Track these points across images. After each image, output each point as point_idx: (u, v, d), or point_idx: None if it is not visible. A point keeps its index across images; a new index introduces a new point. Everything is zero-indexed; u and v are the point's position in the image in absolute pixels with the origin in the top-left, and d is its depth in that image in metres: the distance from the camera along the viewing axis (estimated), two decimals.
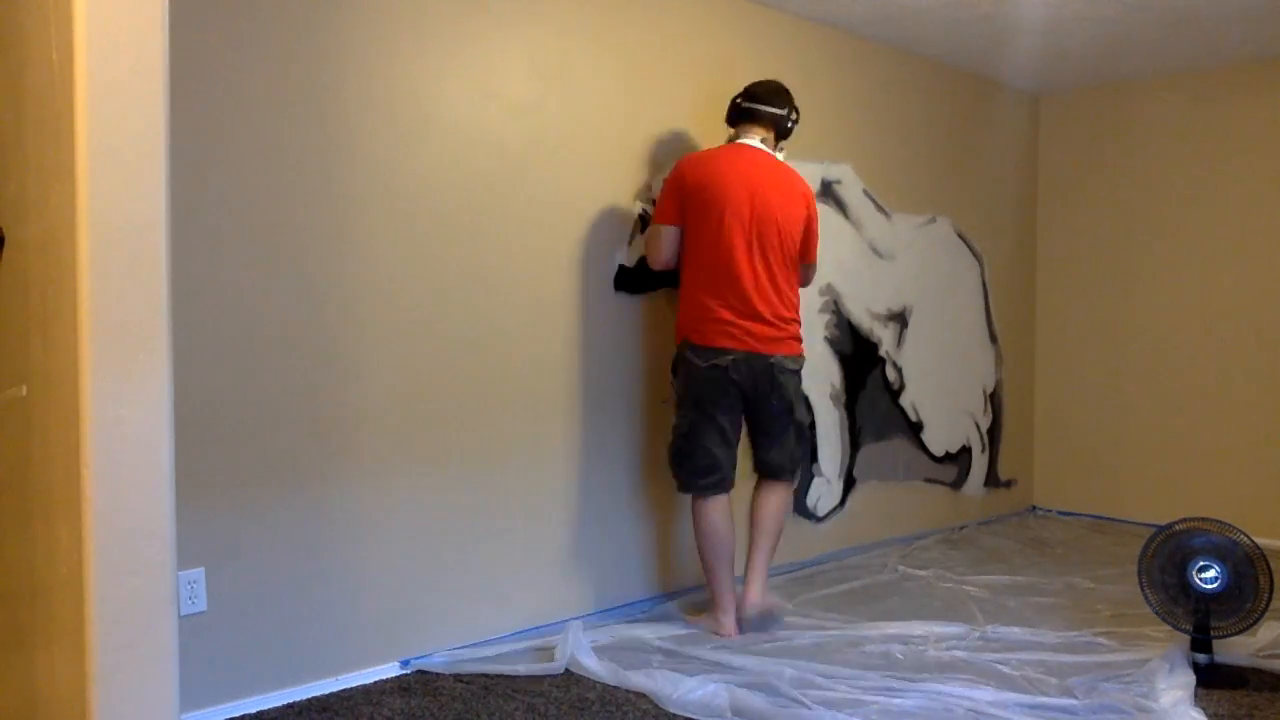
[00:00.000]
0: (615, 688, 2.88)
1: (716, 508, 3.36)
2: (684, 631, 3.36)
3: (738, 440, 3.43)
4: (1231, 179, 4.89)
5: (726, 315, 3.29)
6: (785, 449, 3.46)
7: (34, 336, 1.96)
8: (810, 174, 4.25)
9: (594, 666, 2.97)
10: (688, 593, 3.79)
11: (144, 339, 1.81)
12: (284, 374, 2.78)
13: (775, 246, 3.33)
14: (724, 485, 3.37)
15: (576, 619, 3.37)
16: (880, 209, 4.60)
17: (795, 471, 3.54)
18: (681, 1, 3.76)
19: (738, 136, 3.47)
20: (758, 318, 3.30)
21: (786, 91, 3.50)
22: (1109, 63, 4.85)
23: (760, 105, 3.44)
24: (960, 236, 5.06)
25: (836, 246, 4.38)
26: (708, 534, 3.36)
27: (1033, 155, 5.51)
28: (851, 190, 4.46)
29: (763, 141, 3.44)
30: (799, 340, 3.45)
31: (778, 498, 3.49)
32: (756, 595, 3.41)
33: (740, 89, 3.54)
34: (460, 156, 3.14)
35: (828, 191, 4.34)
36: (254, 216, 2.73)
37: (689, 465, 3.36)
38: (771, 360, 3.33)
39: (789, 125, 3.50)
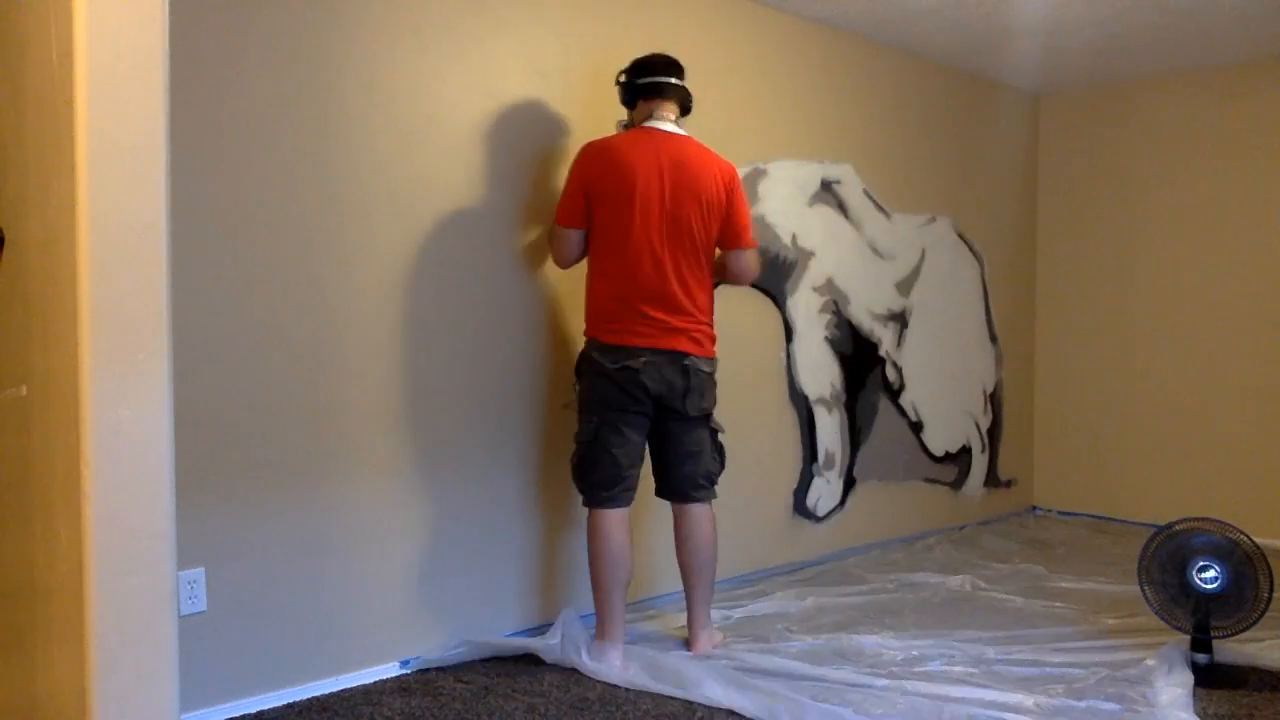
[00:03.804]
0: (615, 687, 2.87)
1: (618, 522, 3.04)
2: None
3: (644, 451, 3.14)
4: (1232, 178, 4.89)
5: (636, 314, 3.01)
6: (699, 462, 3.15)
7: (34, 336, 1.96)
8: (810, 174, 4.25)
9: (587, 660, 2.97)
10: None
11: (144, 339, 1.81)
12: (284, 374, 2.78)
13: (689, 244, 3.05)
14: (628, 498, 3.08)
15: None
16: (880, 209, 4.60)
17: (713, 487, 3.21)
18: (682, 2, 3.76)
19: (644, 115, 3.14)
20: (671, 314, 3.03)
21: (680, 64, 3.18)
22: (1109, 63, 4.85)
23: (669, 79, 3.12)
24: (960, 236, 5.06)
25: (836, 246, 4.38)
26: (607, 552, 3.02)
27: (1033, 155, 5.51)
28: (851, 190, 4.46)
29: (674, 122, 3.14)
30: (713, 341, 3.16)
31: (706, 526, 3.16)
32: (705, 643, 3.16)
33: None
34: (462, 156, 3.14)
35: (828, 191, 4.34)
36: (254, 216, 2.73)
37: (592, 475, 3.05)
38: (687, 361, 3.05)
39: (690, 101, 3.19)
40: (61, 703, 1.88)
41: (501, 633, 3.26)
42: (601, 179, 3.04)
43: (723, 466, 3.26)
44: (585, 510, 3.32)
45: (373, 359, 2.96)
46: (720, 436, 3.25)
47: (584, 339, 3.16)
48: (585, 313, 3.16)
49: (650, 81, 3.12)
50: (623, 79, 3.18)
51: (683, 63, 3.22)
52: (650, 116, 3.13)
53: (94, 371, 1.76)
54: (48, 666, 1.96)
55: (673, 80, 3.14)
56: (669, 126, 3.12)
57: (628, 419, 3.06)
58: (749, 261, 3.27)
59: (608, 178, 3.03)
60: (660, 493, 3.24)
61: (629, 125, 3.21)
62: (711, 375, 3.16)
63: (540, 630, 3.31)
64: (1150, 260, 5.13)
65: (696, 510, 3.18)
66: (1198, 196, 4.98)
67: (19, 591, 2.07)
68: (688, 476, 3.17)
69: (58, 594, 1.88)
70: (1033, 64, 4.90)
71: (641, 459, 3.14)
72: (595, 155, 3.08)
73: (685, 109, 3.20)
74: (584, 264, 3.21)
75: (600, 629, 3.07)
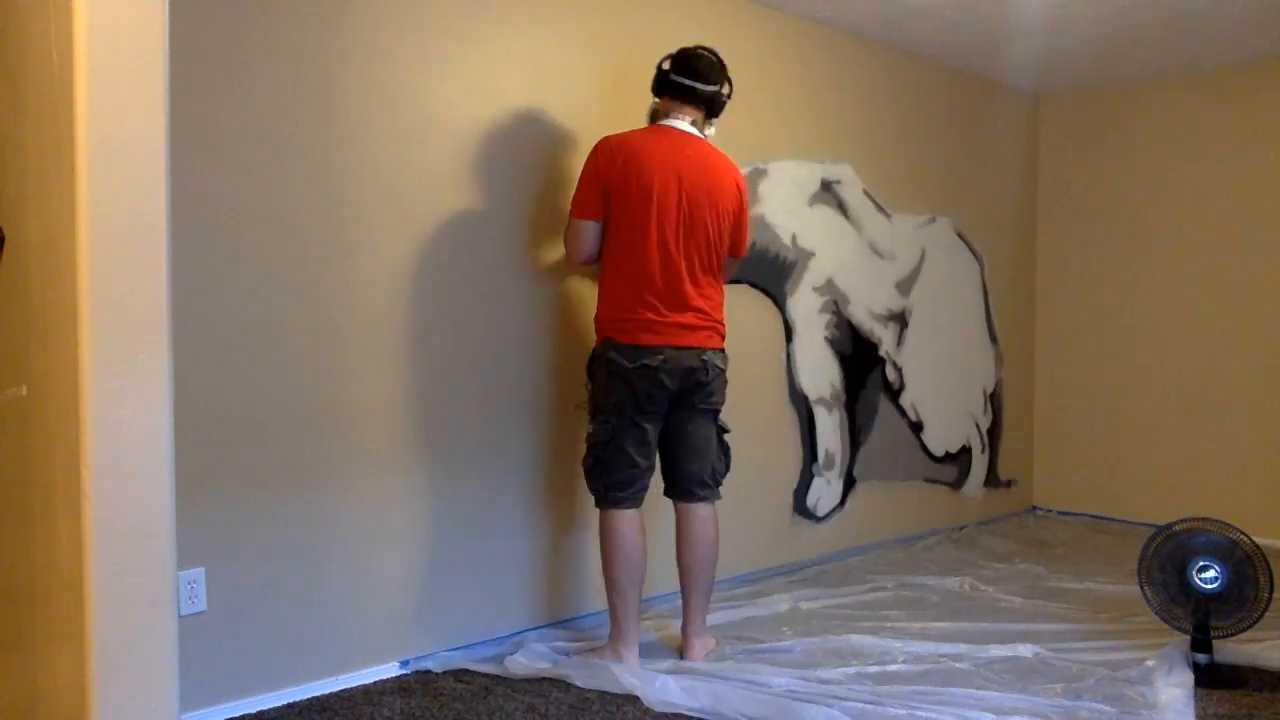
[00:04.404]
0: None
1: (632, 522, 3.04)
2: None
3: (657, 450, 3.14)
4: (1232, 179, 4.89)
5: (652, 313, 2.99)
6: (706, 460, 3.16)
7: (34, 336, 1.96)
8: (810, 174, 4.25)
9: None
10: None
11: (144, 339, 1.81)
12: (284, 374, 2.78)
13: (703, 244, 3.05)
14: (642, 498, 3.08)
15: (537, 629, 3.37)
16: (880, 209, 4.60)
17: (718, 488, 3.21)
18: (682, 2, 3.76)
19: (663, 112, 3.14)
20: (686, 313, 3.03)
21: (723, 63, 3.16)
22: (1109, 63, 4.85)
23: (697, 83, 3.09)
24: (960, 236, 5.06)
25: (837, 246, 4.38)
26: (621, 552, 3.01)
27: (1033, 155, 5.51)
28: (851, 190, 4.46)
29: (692, 124, 3.12)
30: (723, 340, 3.17)
31: (709, 527, 3.16)
32: (699, 650, 3.13)
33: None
34: (462, 157, 3.14)
35: (828, 191, 4.34)
36: (254, 216, 2.73)
37: (608, 476, 3.03)
38: (704, 355, 3.06)
39: (722, 102, 3.18)
40: (61, 703, 1.88)
41: (501, 633, 3.26)
42: (620, 175, 3.00)
43: (728, 467, 3.27)
44: (586, 512, 3.33)
45: (373, 359, 2.96)
46: (727, 437, 3.26)
47: (596, 339, 3.12)
48: (598, 312, 3.11)
49: (678, 81, 3.10)
50: (665, 66, 3.13)
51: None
52: (669, 115, 3.12)
53: (94, 371, 1.76)
54: (48, 666, 1.96)
55: (701, 86, 3.10)
56: (686, 127, 3.11)
57: (644, 419, 3.04)
58: (735, 271, 3.42)
59: (626, 174, 3.00)
60: (668, 492, 3.23)
61: (653, 116, 3.22)
62: (724, 372, 3.17)
63: (540, 630, 3.31)
64: (1150, 260, 5.14)
65: (701, 511, 3.17)
66: (1198, 196, 4.98)
67: (19, 591, 2.07)
68: (694, 474, 3.16)
69: (58, 594, 1.88)
70: (1033, 64, 4.90)
71: (655, 458, 3.13)
72: (614, 151, 3.03)
73: (713, 111, 3.19)
74: (588, 265, 3.21)
75: (616, 630, 3.04)
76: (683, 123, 3.11)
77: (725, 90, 3.17)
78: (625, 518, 3.04)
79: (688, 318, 3.04)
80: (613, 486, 3.04)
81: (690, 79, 3.09)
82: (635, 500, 3.06)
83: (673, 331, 3.02)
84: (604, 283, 3.10)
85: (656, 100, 3.20)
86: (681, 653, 3.15)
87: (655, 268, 3.00)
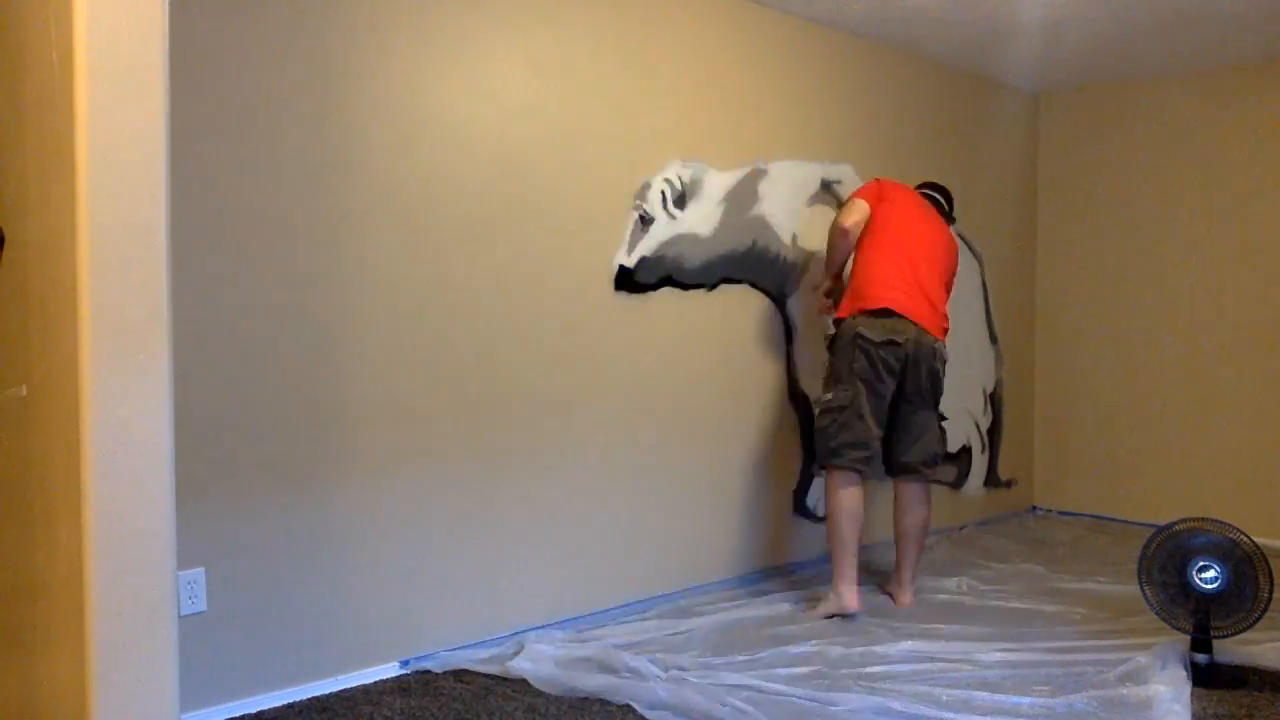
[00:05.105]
0: (614, 686, 2.87)
1: (858, 483, 3.51)
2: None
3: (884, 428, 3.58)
4: (1231, 179, 4.89)
5: (902, 291, 3.53)
6: (926, 444, 3.62)
7: (34, 336, 1.96)
8: (810, 174, 4.25)
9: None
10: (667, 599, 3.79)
11: (144, 339, 1.81)
12: (284, 374, 2.78)
13: (939, 264, 3.69)
14: (871, 464, 3.52)
15: (552, 624, 3.37)
16: None
17: (936, 466, 3.70)
18: (682, 1, 3.76)
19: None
20: (928, 302, 3.57)
21: (951, 197, 4.02)
22: (1109, 63, 4.85)
23: (946, 203, 3.97)
24: (960, 236, 5.05)
25: None
26: (848, 512, 3.49)
27: (1033, 155, 5.50)
28: (851, 190, 4.45)
29: (936, 205, 3.89)
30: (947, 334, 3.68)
31: (924, 506, 3.68)
32: (908, 599, 3.69)
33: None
34: (460, 157, 3.14)
35: (828, 191, 4.34)
36: (254, 217, 2.73)
37: (845, 436, 3.48)
38: (936, 345, 3.57)
39: (952, 216, 4.01)
40: (61, 703, 1.88)
41: (501, 632, 3.26)
42: (888, 198, 3.72)
43: (945, 449, 3.81)
44: (586, 511, 3.33)
45: (372, 359, 2.96)
46: (944, 423, 3.77)
47: (841, 315, 3.60)
48: (847, 292, 3.64)
49: (937, 198, 3.97)
50: (935, 192, 3.97)
51: (683, 62, 3.26)
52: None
53: (94, 371, 1.76)
54: (48, 666, 1.96)
55: (947, 206, 3.98)
56: (930, 200, 3.91)
57: (881, 388, 3.50)
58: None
59: (892, 199, 3.71)
60: (888, 471, 3.68)
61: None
62: (945, 364, 3.65)
63: (541, 629, 3.31)
64: (1150, 260, 5.13)
65: (917, 488, 3.67)
66: (1198, 196, 4.98)
67: (19, 591, 2.07)
68: (913, 457, 3.63)
69: (58, 594, 1.88)
70: (1033, 64, 4.90)
71: (882, 433, 3.55)
72: (888, 185, 3.80)
73: (947, 217, 3.94)
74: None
75: (840, 574, 3.51)
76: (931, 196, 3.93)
77: (952, 212, 4.02)
78: (852, 478, 3.51)
79: (928, 310, 3.58)
80: (849, 445, 3.49)
81: (941, 196, 4.00)
82: (868, 465, 3.52)
83: (920, 308, 3.55)
84: (860, 267, 3.64)
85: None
86: (894, 599, 3.72)
87: (907, 258, 3.59)
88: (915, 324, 3.53)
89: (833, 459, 3.53)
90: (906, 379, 3.54)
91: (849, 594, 3.48)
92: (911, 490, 3.68)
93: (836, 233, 3.72)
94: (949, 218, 3.95)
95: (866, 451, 3.51)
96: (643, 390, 3.65)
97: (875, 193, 3.74)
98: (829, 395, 3.57)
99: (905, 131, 4.72)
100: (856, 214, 3.68)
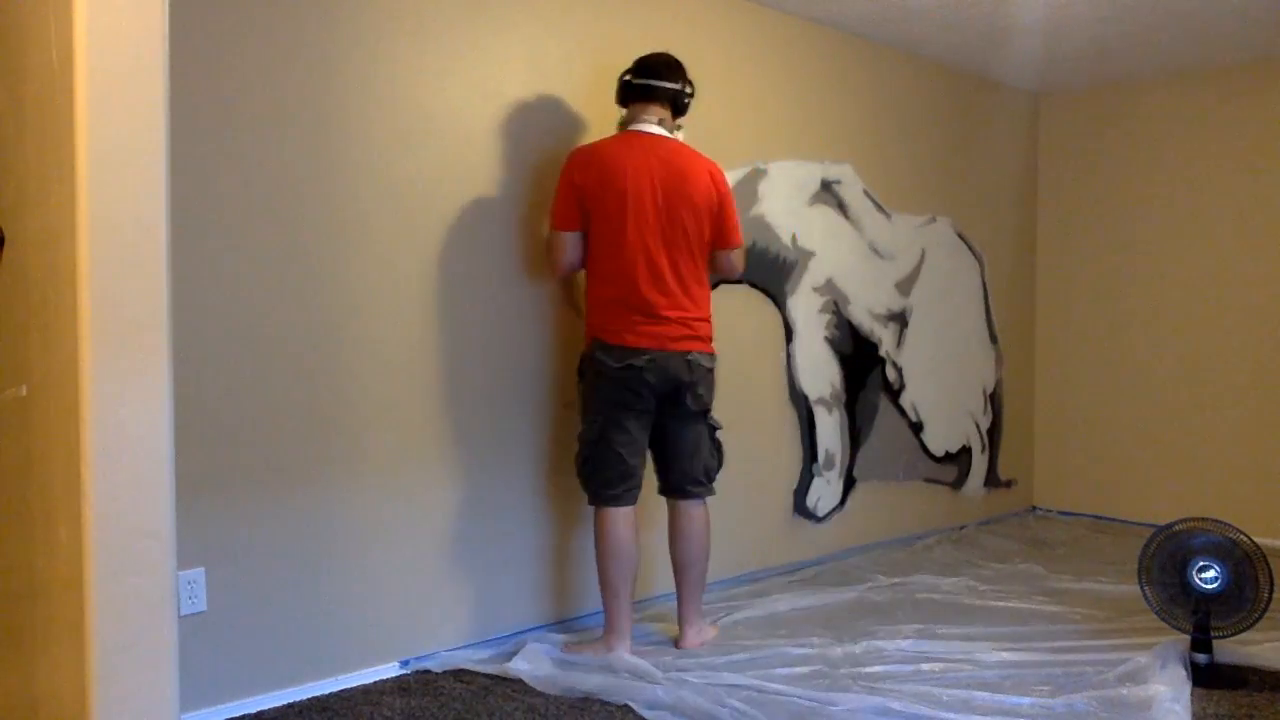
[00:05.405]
0: (614, 686, 2.87)
1: (625, 520, 3.09)
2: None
3: (647, 448, 3.18)
4: (1231, 179, 4.89)
5: (637, 315, 3.05)
6: (698, 459, 3.21)
7: (34, 336, 1.96)
8: (810, 174, 4.25)
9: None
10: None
11: (144, 339, 1.81)
12: (284, 374, 2.78)
13: (684, 244, 3.10)
14: (634, 496, 3.12)
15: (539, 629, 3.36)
16: (880, 209, 4.60)
17: (711, 484, 3.27)
18: (682, 1, 3.76)
19: (631, 118, 3.18)
20: (666, 322, 3.07)
21: (680, 64, 3.22)
22: (1109, 63, 4.85)
23: (656, 81, 3.16)
24: (960, 236, 5.06)
25: (837, 246, 4.38)
26: (614, 550, 3.07)
27: (1033, 155, 5.51)
28: (851, 190, 4.46)
29: (660, 123, 3.16)
30: (710, 340, 3.20)
31: (700, 523, 3.23)
32: (693, 638, 3.23)
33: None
34: (460, 157, 3.14)
35: (828, 191, 4.34)
36: (254, 216, 2.73)
37: (598, 474, 3.09)
38: (688, 357, 3.10)
39: (685, 101, 3.22)
40: (61, 703, 1.88)
41: (501, 633, 3.26)
42: (594, 183, 3.07)
43: (720, 464, 3.31)
44: (586, 511, 3.32)
45: (373, 359, 2.96)
46: (718, 434, 3.28)
47: (585, 341, 3.17)
48: (586, 314, 3.19)
49: (639, 84, 3.17)
50: (625, 75, 3.21)
51: (683, 61, 3.22)
52: (636, 120, 3.17)
53: (94, 371, 1.76)
54: (48, 666, 1.96)
55: (660, 83, 3.16)
56: (653, 129, 3.15)
57: (632, 417, 3.09)
58: (736, 260, 3.33)
59: (600, 182, 3.06)
60: (662, 490, 3.27)
61: (622, 125, 3.23)
62: (712, 371, 3.21)
63: (541, 629, 3.31)
64: (1150, 260, 5.13)
65: (692, 507, 3.24)
66: (1198, 197, 4.98)
67: (19, 591, 2.07)
68: (686, 473, 3.22)
69: (58, 594, 1.88)
70: (1033, 64, 4.90)
71: (645, 457, 3.17)
72: (585, 160, 3.10)
73: (679, 110, 3.23)
74: (571, 275, 3.23)
75: (608, 624, 3.11)
76: (650, 125, 3.16)
77: (687, 89, 3.22)
78: (616, 516, 3.09)
79: (672, 318, 3.08)
80: (603, 484, 3.10)
81: (649, 78, 3.16)
82: (626, 499, 3.11)
83: (657, 334, 3.07)
84: (589, 287, 3.16)
85: (623, 110, 3.24)
86: (676, 642, 3.23)
87: (638, 273, 3.05)
88: (659, 352, 3.05)
89: (593, 499, 3.15)
90: (664, 396, 3.11)
91: (620, 647, 3.06)
92: (686, 510, 3.24)
93: (552, 277, 3.31)
94: (679, 108, 3.22)
95: (628, 484, 3.10)
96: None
97: (574, 204, 3.09)
98: (580, 427, 3.18)
99: (905, 132, 4.72)
100: (564, 256, 3.14)
